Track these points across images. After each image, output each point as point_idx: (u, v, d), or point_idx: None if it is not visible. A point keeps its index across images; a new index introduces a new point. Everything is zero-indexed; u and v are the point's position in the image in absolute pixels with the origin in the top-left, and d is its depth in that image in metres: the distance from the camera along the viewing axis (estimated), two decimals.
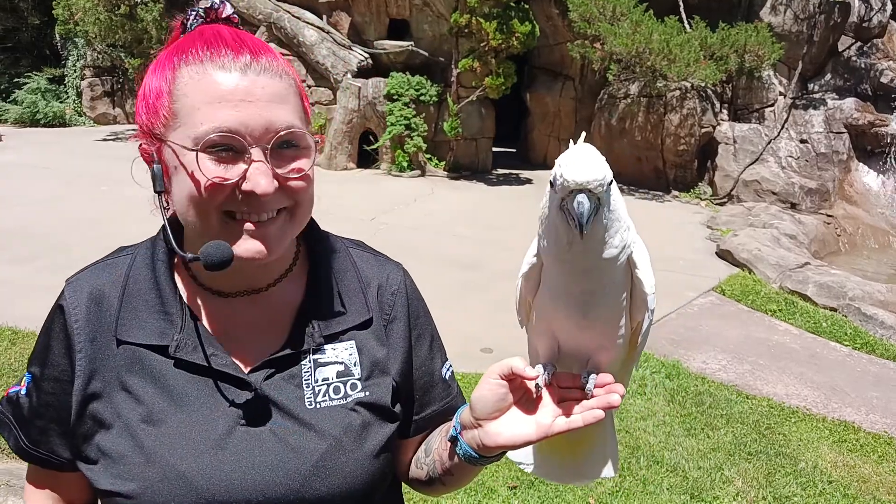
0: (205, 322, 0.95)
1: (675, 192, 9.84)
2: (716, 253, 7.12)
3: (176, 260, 0.98)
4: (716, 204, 9.37)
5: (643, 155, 10.13)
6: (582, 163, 0.84)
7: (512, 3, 9.36)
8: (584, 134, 0.94)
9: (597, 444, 1.04)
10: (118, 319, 0.94)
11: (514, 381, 0.92)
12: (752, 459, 3.57)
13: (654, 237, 7.62)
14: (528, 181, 10.51)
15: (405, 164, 10.12)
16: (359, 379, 0.97)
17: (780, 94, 9.72)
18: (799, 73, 9.51)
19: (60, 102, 14.27)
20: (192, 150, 0.84)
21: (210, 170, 0.84)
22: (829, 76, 9.92)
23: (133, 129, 11.98)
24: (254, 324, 0.97)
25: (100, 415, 0.92)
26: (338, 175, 9.90)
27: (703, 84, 9.08)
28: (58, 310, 0.96)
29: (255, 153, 0.85)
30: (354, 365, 0.98)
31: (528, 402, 0.94)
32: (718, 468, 3.47)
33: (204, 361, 0.92)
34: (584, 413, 0.90)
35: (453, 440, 0.99)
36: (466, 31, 9.56)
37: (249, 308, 0.97)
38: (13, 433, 0.99)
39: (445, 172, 10.48)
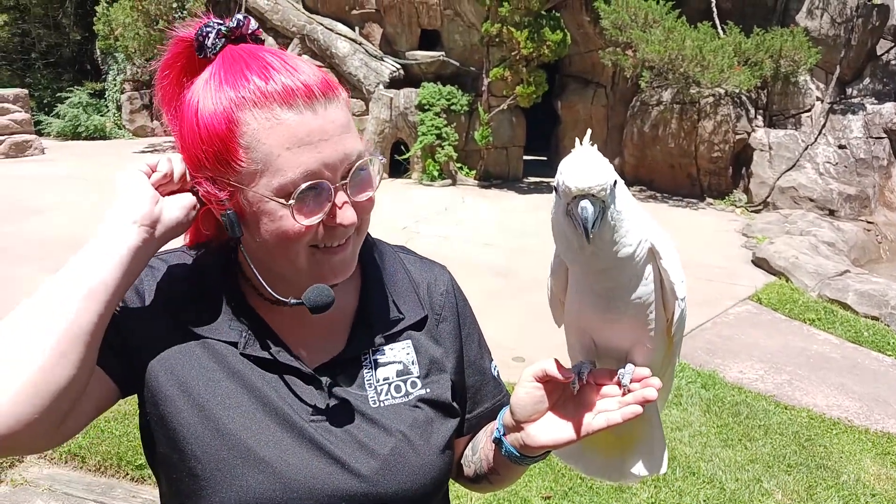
0: (270, 327, 0.97)
1: (710, 200, 9.72)
2: (752, 261, 7.00)
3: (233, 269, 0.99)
4: (751, 211, 9.22)
5: (676, 162, 10.02)
6: (583, 167, 0.84)
7: (543, 12, 9.37)
8: (589, 132, 0.93)
9: (642, 440, 1.03)
10: (187, 311, 0.93)
11: (549, 382, 0.93)
12: (792, 472, 3.49)
13: (689, 245, 7.54)
14: None
15: (436, 173, 10.17)
16: (418, 377, 0.99)
17: (818, 99, 9.55)
18: (836, 77, 9.34)
19: (101, 116, 14.66)
20: (279, 201, 0.83)
21: (302, 217, 0.84)
22: (867, 80, 9.72)
23: (169, 141, 12.29)
24: (313, 329, 0.98)
25: (169, 387, 0.89)
26: None
27: (737, 90, 8.97)
28: (136, 287, 0.93)
29: (338, 188, 0.86)
30: (413, 364, 0.99)
31: (567, 401, 0.94)
32: (757, 480, 3.40)
33: (273, 358, 0.93)
34: (623, 409, 0.89)
35: (497, 442, 1.00)
36: (497, 40, 9.59)
37: (308, 315, 0.94)
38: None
39: (476, 181, 10.50)
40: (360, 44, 10.87)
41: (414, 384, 0.98)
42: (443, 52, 10.61)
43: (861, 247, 7.96)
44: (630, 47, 9.06)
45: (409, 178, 10.42)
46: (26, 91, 12.58)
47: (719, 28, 9.23)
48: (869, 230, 8.41)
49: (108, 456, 3.41)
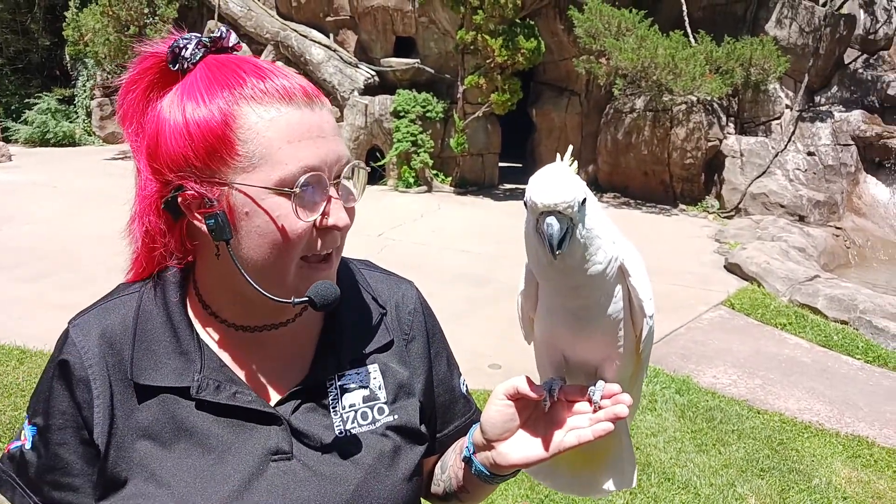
0: (225, 358, 0.91)
1: (683, 206, 9.83)
2: (724, 266, 7.08)
3: (187, 298, 0.93)
4: (723, 217, 9.34)
5: (650, 169, 10.12)
6: (551, 184, 0.83)
7: (517, 20, 9.43)
8: (570, 148, 0.93)
9: (612, 456, 1.03)
10: (132, 362, 0.88)
11: (520, 400, 0.91)
12: (766, 476, 3.52)
13: (662, 251, 7.61)
14: None
15: (412, 179, 10.16)
16: (385, 403, 0.96)
17: (787, 106, 9.72)
18: (805, 85, 9.51)
19: (70, 122, 14.43)
20: (283, 190, 0.81)
21: (291, 213, 0.81)
22: (835, 88, 9.92)
23: None
24: (276, 356, 0.94)
25: (119, 466, 0.86)
26: None
27: (709, 98, 9.09)
28: (66, 353, 0.88)
29: (332, 188, 0.84)
30: (379, 388, 0.96)
31: (538, 418, 0.93)
32: (731, 485, 3.43)
33: (228, 400, 0.88)
34: (594, 426, 0.88)
35: (467, 461, 0.98)
36: (472, 48, 9.62)
37: (271, 340, 0.94)
38: (18, 492, 0.90)
39: (452, 188, 10.51)
40: (334, 50, 10.83)
41: (381, 410, 0.95)
42: (418, 60, 10.63)
43: (830, 252, 8.10)
44: (603, 55, 9.14)
45: (385, 184, 10.40)
46: None
47: (691, 37, 9.36)
48: (838, 236, 8.57)
49: None
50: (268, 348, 0.93)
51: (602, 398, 0.90)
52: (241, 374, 0.91)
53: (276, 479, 0.87)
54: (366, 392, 0.95)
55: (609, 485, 1.02)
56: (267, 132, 0.80)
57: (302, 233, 0.83)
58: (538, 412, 0.93)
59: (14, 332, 4.73)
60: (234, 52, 0.89)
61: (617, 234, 0.91)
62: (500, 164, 11.37)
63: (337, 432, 0.92)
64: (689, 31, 9.44)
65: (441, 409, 1.06)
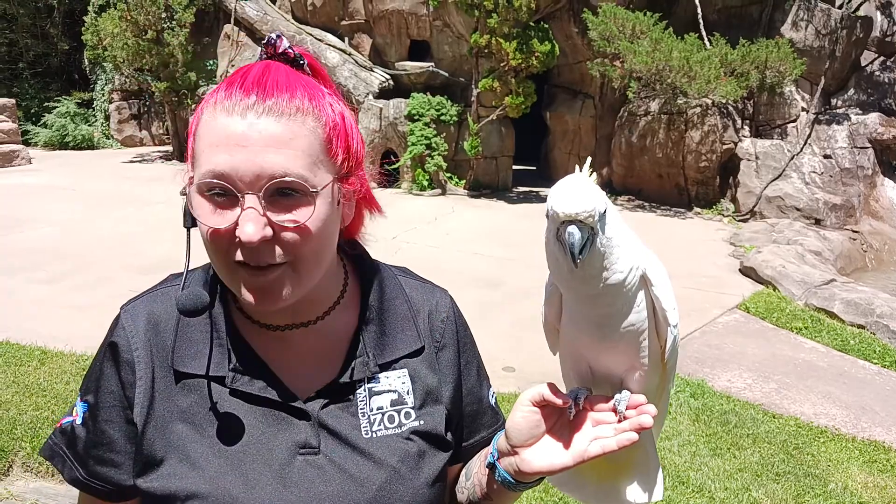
0: (259, 353, 0.94)
1: (698, 209, 9.79)
2: (739, 270, 7.05)
3: (227, 293, 0.95)
4: (738, 220, 9.29)
5: (664, 172, 10.10)
6: (572, 194, 0.85)
7: (531, 23, 9.45)
8: (589, 160, 0.94)
9: (638, 467, 1.02)
10: (174, 349, 0.93)
11: (546, 407, 0.92)
12: (781, 480, 3.51)
13: (677, 254, 7.58)
14: None
15: (426, 183, 10.19)
16: (412, 407, 0.97)
17: (803, 109, 9.66)
18: (821, 88, 9.46)
19: (89, 126, 14.61)
20: (197, 193, 0.84)
21: (206, 215, 0.83)
22: (852, 91, 9.85)
23: (158, 151, 12.21)
24: (308, 354, 0.96)
25: (156, 445, 0.90)
26: None
27: (724, 100, 9.05)
28: (116, 336, 0.94)
29: (249, 199, 0.81)
30: (408, 393, 0.98)
31: (563, 426, 0.93)
32: (745, 489, 3.42)
33: (260, 392, 0.91)
34: (619, 436, 0.89)
35: (491, 467, 0.99)
36: (486, 51, 9.65)
37: (303, 339, 0.97)
38: (66, 465, 0.96)
39: (466, 191, 10.53)
40: (349, 54, 10.90)
41: (408, 415, 0.97)
42: (432, 63, 10.66)
43: (847, 255, 8.04)
44: (618, 58, 9.14)
45: (399, 187, 10.44)
46: (13, 101, 12.54)
47: (706, 39, 9.33)
48: (854, 239, 8.50)
49: None
50: (297, 347, 0.96)
51: (627, 408, 0.90)
52: (273, 368, 0.94)
53: (302, 472, 0.90)
54: (394, 396, 0.97)
55: (634, 495, 1.02)
56: (202, 134, 0.84)
57: (210, 236, 0.83)
58: (563, 420, 0.94)
59: (34, 332, 4.80)
60: (286, 57, 0.90)
61: (638, 243, 0.92)
62: (514, 168, 11.38)
63: (363, 433, 0.93)
64: (703, 33, 9.41)
65: (468, 419, 1.06)
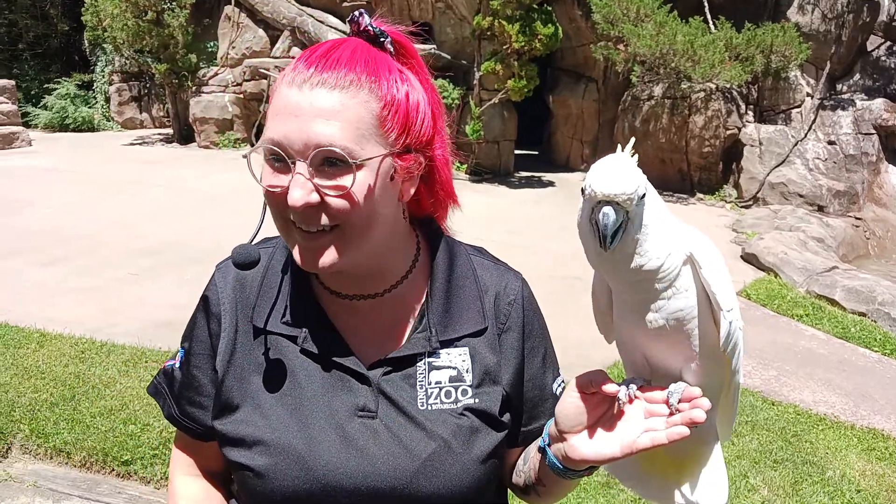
0: (332, 318, 1.00)
1: (700, 195, 9.75)
2: (741, 256, 7.03)
3: None
4: (741, 207, 9.25)
5: (667, 157, 10.04)
6: (612, 174, 0.81)
7: (535, 6, 9.34)
8: (633, 140, 0.88)
9: (700, 468, 0.99)
10: (255, 307, 1.01)
11: (596, 395, 0.91)
12: (779, 467, 3.51)
13: None
14: (551, 184, 10.48)
15: None
16: (470, 385, 0.99)
17: (808, 94, 9.58)
18: (827, 73, 9.37)
19: (89, 107, 14.54)
20: (262, 156, 0.91)
21: (266, 177, 0.90)
22: (857, 76, 9.76)
23: (159, 133, 12.12)
24: (376, 324, 1.01)
25: (234, 392, 0.99)
26: None
27: (728, 85, 8.98)
28: (208, 290, 1.05)
29: (299, 166, 0.86)
30: (467, 371, 1.00)
31: (614, 416, 0.92)
32: (743, 476, 3.42)
33: (328, 354, 0.98)
34: (669, 430, 0.86)
35: (542, 451, 0.99)
36: (489, 33, 9.55)
37: (371, 309, 1.01)
38: (166, 402, 1.09)
39: (467, 176, 10.48)
40: None
41: (465, 392, 0.99)
42: (434, 45, 10.57)
43: (849, 242, 8.01)
44: (621, 42, 9.05)
45: None
46: (13, 82, 12.47)
47: (711, 23, 9.23)
48: (857, 226, 8.46)
49: (94, 452, 3.39)
50: (366, 316, 1.01)
51: (680, 401, 0.87)
52: (342, 334, 1.00)
53: (359, 433, 0.95)
54: (453, 372, 0.99)
55: (696, 496, 0.98)
56: (272, 103, 0.91)
57: (270, 196, 0.90)
58: (614, 409, 0.92)
59: (34, 315, 4.81)
60: (367, 35, 0.94)
61: (683, 228, 0.88)
62: (517, 152, 11.32)
63: (419, 404, 0.97)
64: (708, 17, 9.31)
65: (528, 404, 1.06)
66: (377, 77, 0.89)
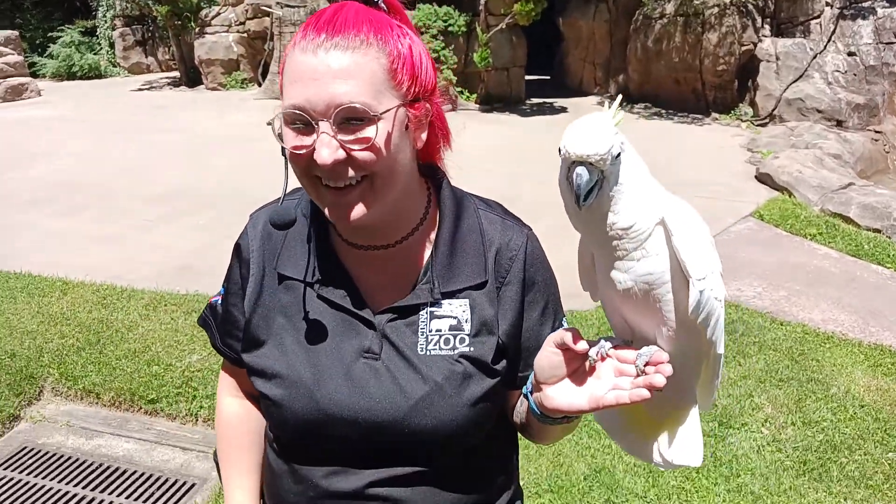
0: (347, 267, 1.09)
1: (715, 115, 9.54)
2: (755, 177, 6.93)
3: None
4: (757, 125, 9.06)
5: (681, 77, 9.79)
6: (585, 134, 0.82)
7: None
8: (619, 98, 0.89)
9: (678, 429, 1.02)
10: (279, 255, 1.11)
11: (570, 350, 0.94)
12: (783, 386, 3.57)
13: (692, 162, 7.46)
14: (563, 109, 10.31)
15: None
16: (467, 334, 1.06)
17: (827, 4, 9.20)
18: None
19: (94, 54, 14.42)
20: (284, 123, 0.97)
21: (290, 140, 0.96)
22: None
23: (166, 77, 12.04)
24: (386, 274, 1.09)
25: (260, 330, 1.10)
26: None
27: None
28: (241, 238, 1.16)
29: (323, 126, 0.92)
30: (466, 322, 1.06)
31: (586, 371, 0.96)
32: (748, 395, 3.49)
33: (340, 300, 1.07)
34: (632, 391, 0.90)
35: (525, 396, 1.06)
36: None
37: (382, 260, 1.09)
38: (212, 332, 1.23)
39: (477, 105, 10.34)
40: None
41: (462, 340, 1.06)
42: None
43: (868, 158, 7.84)
44: None
45: None
46: (17, 33, 12.36)
47: None
48: (877, 140, 8.27)
49: (121, 392, 3.55)
50: (378, 265, 1.09)
51: (646, 364, 0.89)
52: (355, 282, 1.08)
53: (362, 372, 1.05)
54: (453, 322, 1.06)
55: (671, 455, 1.02)
56: (286, 72, 0.95)
57: (295, 158, 0.96)
58: (587, 365, 0.96)
59: (55, 264, 4.94)
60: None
61: (661, 191, 0.89)
62: (528, 78, 11.10)
63: (419, 349, 1.05)
64: None
65: (525, 352, 1.11)
66: (383, 34, 0.95)
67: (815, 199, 6.09)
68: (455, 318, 1.06)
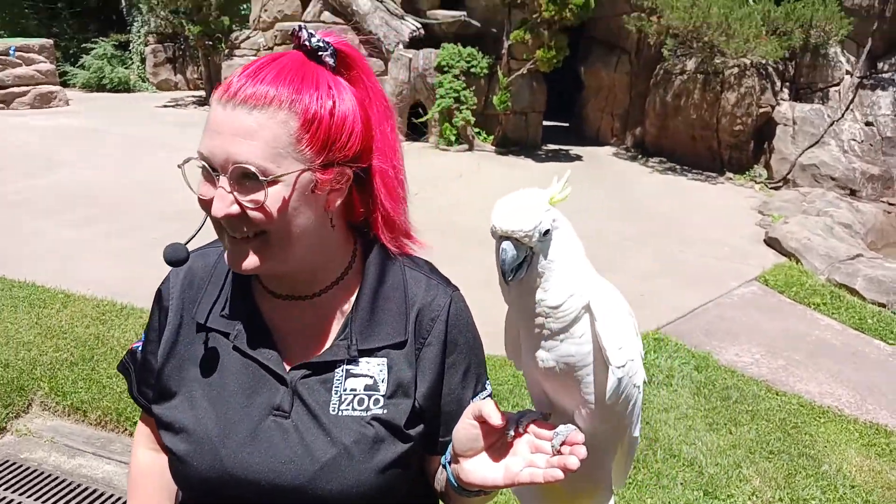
0: (264, 317, 1.07)
1: (730, 174, 9.55)
2: (764, 241, 6.91)
3: None
4: (770, 188, 9.06)
5: (698, 134, 9.84)
6: (513, 210, 0.83)
7: None
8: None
9: (593, 502, 1.02)
10: (198, 303, 1.09)
11: (487, 423, 0.93)
12: (773, 459, 3.52)
13: (702, 221, 7.46)
14: (578, 158, 10.36)
15: (453, 137, 10.10)
16: (382, 395, 1.03)
17: (847, 72, 9.25)
18: (868, 50, 9.01)
19: (125, 68, 14.73)
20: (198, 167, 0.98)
21: (198, 184, 0.97)
22: None
23: (192, 96, 12.16)
24: (303, 326, 1.07)
25: (171, 381, 1.07)
26: None
27: (763, 61, 8.72)
28: (163, 285, 1.15)
29: (221, 180, 0.93)
30: (382, 382, 1.03)
31: (505, 445, 0.95)
32: (737, 466, 3.44)
33: (254, 352, 1.04)
34: (546, 470, 0.89)
35: (444, 466, 1.04)
36: (519, 2, 9.40)
37: (302, 312, 1.07)
38: (130, 379, 1.20)
39: (493, 147, 10.42)
40: (381, 1, 10.72)
41: (377, 401, 1.03)
42: (464, 13, 10.44)
43: (879, 229, 7.81)
44: (655, 13, 8.83)
45: (427, 142, 10.38)
46: (51, 41, 12.66)
47: None
48: (890, 212, 8.23)
49: (109, 411, 3.56)
50: (297, 317, 1.07)
51: (563, 444, 0.89)
52: (273, 333, 1.06)
53: (271, 430, 1.02)
54: (369, 381, 1.03)
55: None
56: (207, 118, 0.96)
57: (201, 204, 0.97)
58: (506, 440, 0.95)
59: (60, 275, 4.99)
60: (305, 49, 0.98)
61: (591, 273, 0.89)
62: (547, 124, 11.19)
63: (331, 409, 1.02)
64: None
65: (446, 416, 1.09)
66: (299, 95, 0.93)
67: (822, 267, 6.06)
68: (372, 377, 1.03)
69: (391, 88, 10.26)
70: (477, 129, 10.39)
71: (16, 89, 11.46)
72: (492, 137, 10.50)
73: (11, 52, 11.46)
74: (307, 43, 0.97)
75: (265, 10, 12.35)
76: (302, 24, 1.01)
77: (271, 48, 12.34)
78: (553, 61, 9.46)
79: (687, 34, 8.48)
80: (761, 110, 9.22)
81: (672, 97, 9.90)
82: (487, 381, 1.15)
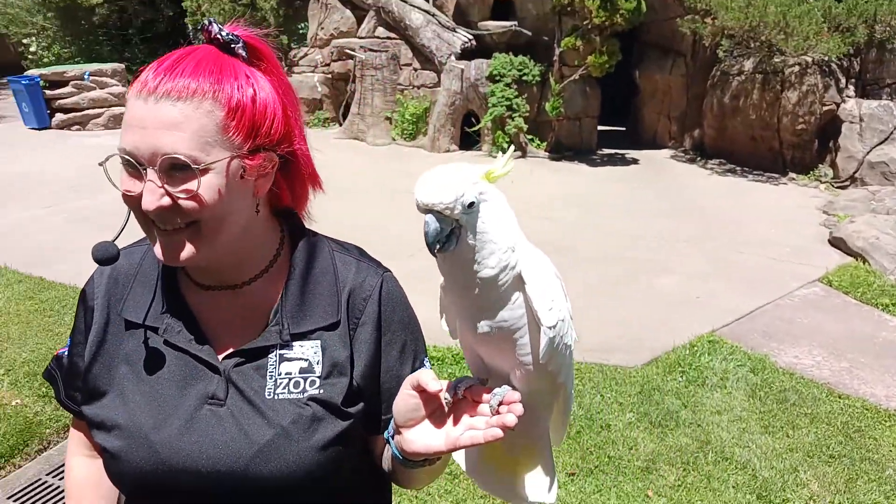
0: (193, 310, 1.07)
1: (793, 175, 9.23)
2: (828, 241, 6.66)
3: None
4: (836, 187, 8.71)
5: (758, 134, 9.56)
6: (434, 183, 0.83)
7: None
8: (511, 149, 0.94)
9: (533, 467, 1.04)
10: (125, 300, 1.09)
11: (425, 392, 0.94)
12: (833, 463, 3.39)
13: (763, 222, 7.24)
14: (634, 161, 10.22)
15: (506, 145, 10.12)
16: (318, 377, 1.04)
17: None
18: None
19: None
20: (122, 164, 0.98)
21: (123, 183, 0.97)
22: None
23: None
24: (234, 315, 1.07)
25: (100, 380, 1.07)
26: (440, 157, 10.06)
27: (825, 58, 8.42)
28: (87, 285, 1.14)
29: (150, 173, 0.93)
30: (317, 364, 1.05)
31: (444, 412, 0.97)
32: (793, 469, 3.33)
33: (185, 344, 1.05)
34: (486, 430, 0.90)
35: (387, 441, 1.06)
36: (569, 9, 9.38)
37: (231, 301, 1.08)
38: (57, 386, 1.19)
39: (547, 153, 10.38)
40: (433, 15, 10.87)
41: (312, 383, 1.04)
42: (515, 22, 10.47)
43: None
44: (709, 14, 8.66)
45: (480, 150, 10.43)
46: (123, 66, 13.33)
47: None
48: None
49: None
50: (226, 307, 1.08)
51: (500, 405, 0.91)
52: (202, 325, 1.07)
53: (206, 420, 1.02)
54: (304, 364, 1.05)
55: (527, 492, 1.04)
56: (125, 112, 0.96)
57: (127, 199, 0.96)
58: (443, 408, 0.97)
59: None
60: (217, 42, 0.99)
61: (521, 241, 0.92)
62: (603, 128, 11.08)
63: (266, 394, 1.03)
64: None
65: (386, 394, 1.11)
66: (220, 85, 0.95)
67: (892, 267, 5.79)
68: (306, 360, 1.04)
69: (444, 99, 10.37)
70: (530, 136, 10.38)
71: (91, 111, 12.11)
72: (545, 144, 10.47)
73: (86, 76, 12.13)
74: (219, 36, 0.99)
75: (322, 28, 12.68)
76: (211, 18, 1.04)
77: (328, 65, 12.66)
78: (605, 66, 9.39)
79: (743, 34, 8.28)
80: (825, 108, 8.89)
81: (730, 98, 9.66)
82: (426, 358, 1.16)
